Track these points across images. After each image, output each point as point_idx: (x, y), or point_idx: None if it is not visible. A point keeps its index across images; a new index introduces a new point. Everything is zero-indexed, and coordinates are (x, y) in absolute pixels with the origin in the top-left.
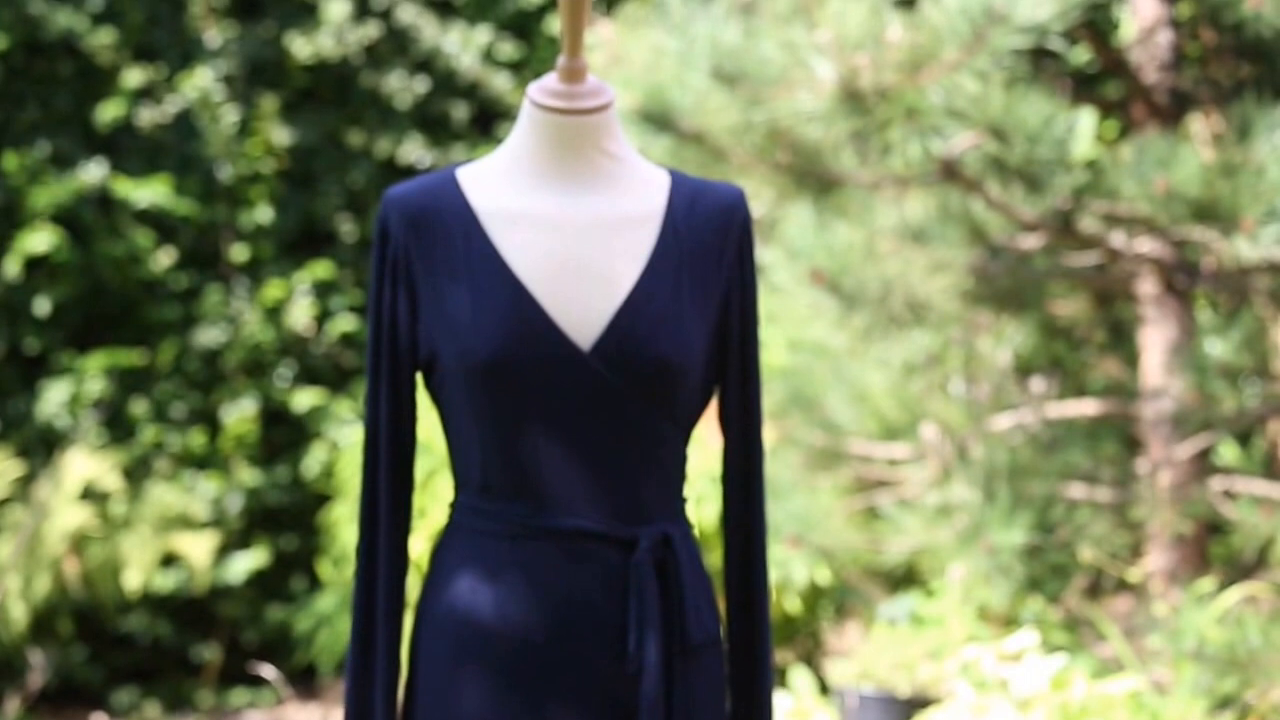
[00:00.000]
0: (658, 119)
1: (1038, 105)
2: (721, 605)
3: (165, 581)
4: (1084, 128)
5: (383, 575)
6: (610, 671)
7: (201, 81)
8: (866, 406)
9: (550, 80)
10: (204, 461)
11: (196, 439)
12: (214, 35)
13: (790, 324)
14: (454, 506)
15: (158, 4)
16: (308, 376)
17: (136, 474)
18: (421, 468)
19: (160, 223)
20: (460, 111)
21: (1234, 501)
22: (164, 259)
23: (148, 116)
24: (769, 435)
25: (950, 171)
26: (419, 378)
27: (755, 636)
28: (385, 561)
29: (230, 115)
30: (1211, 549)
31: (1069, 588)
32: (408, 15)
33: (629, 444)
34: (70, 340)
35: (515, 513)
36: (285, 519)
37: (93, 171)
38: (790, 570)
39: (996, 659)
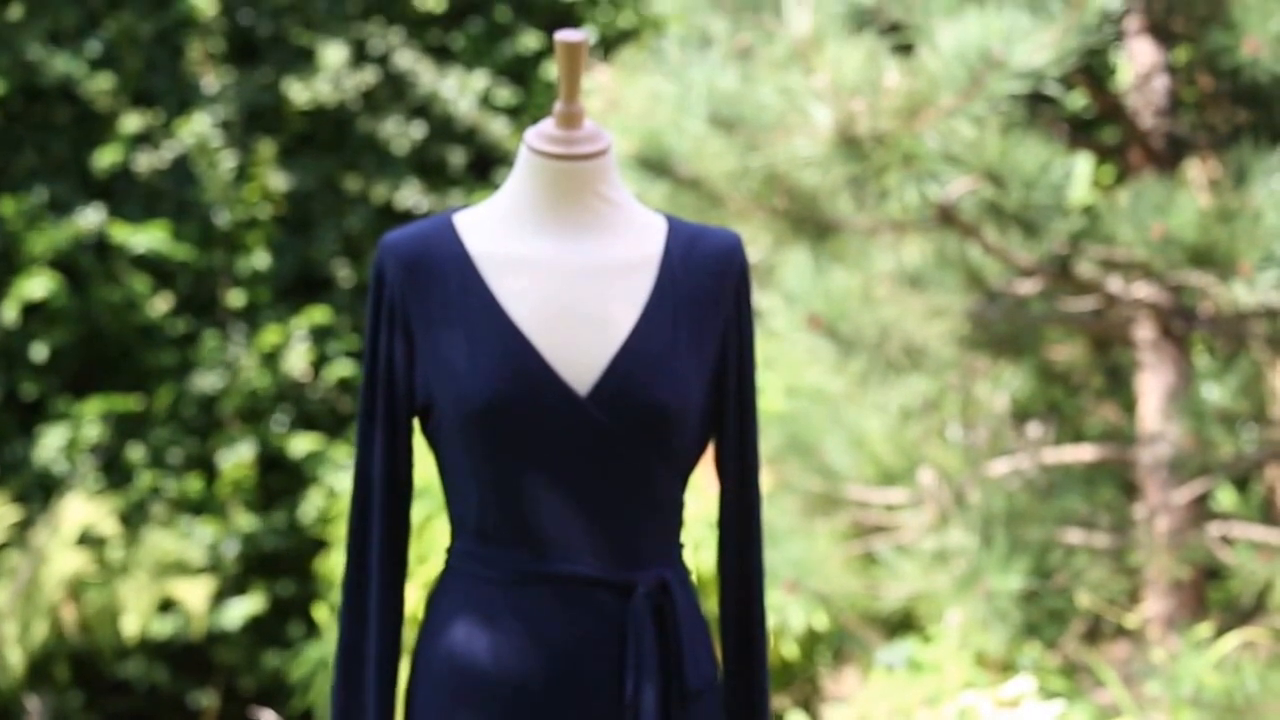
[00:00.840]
0: (655, 164)
1: (1034, 150)
2: (719, 651)
3: (162, 627)
4: (1081, 173)
5: (374, 623)
6: (608, 718)
7: (199, 127)
8: (864, 452)
9: (547, 125)
10: (201, 507)
11: (193, 484)
12: (211, 81)
13: (787, 369)
14: (450, 552)
15: (155, 50)
16: (305, 422)
17: (133, 519)
18: (418, 512)
19: (157, 268)
20: (457, 157)
21: (1232, 547)
22: (161, 304)
23: (145, 162)
24: (766, 480)
25: (947, 217)
26: (415, 424)
27: (753, 682)
28: (377, 609)
29: (228, 161)
30: (1209, 594)
31: (1067, 633)
32: (405, 61)
33: (626, 489)
34: (67, 385)
35: (512, 558)
36: (282, 564)
37: (90, 217)
38: (787, 615)
39: (994, 705)
